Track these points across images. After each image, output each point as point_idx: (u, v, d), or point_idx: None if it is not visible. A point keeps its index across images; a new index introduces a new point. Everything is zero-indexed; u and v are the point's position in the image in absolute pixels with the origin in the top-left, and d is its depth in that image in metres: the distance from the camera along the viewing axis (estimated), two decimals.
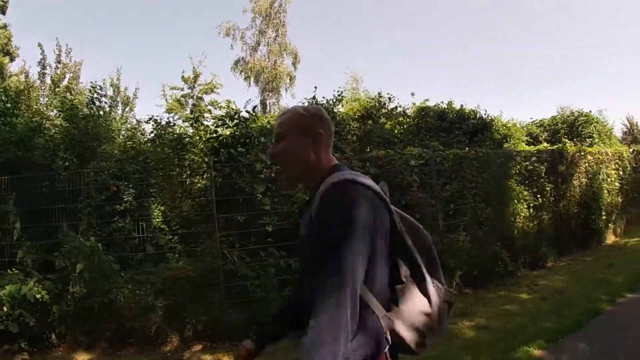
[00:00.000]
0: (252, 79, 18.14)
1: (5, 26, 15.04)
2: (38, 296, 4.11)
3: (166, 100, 15.36)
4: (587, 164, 8.14)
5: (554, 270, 6.16)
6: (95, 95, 6.47)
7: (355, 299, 0.96)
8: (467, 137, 8.17)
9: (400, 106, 8.38)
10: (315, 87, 10.28)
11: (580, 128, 10.11)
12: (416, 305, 1.10)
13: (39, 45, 14.57)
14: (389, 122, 8.03)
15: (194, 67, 15.30)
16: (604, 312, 4.02)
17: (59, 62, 15.16)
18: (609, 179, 8.49)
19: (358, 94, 20.97)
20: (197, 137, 5.56)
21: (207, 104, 12.27)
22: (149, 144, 5.82)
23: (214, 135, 5.43)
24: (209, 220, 4.49)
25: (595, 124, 10.13)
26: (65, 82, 14.25)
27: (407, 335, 1.08)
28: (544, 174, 7.37)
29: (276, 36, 17.48)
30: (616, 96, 39.23)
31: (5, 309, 4.01)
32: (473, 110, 8.64)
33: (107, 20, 31.19)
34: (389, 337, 1.05)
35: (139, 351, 4.04)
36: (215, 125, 5.71)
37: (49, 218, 4.94)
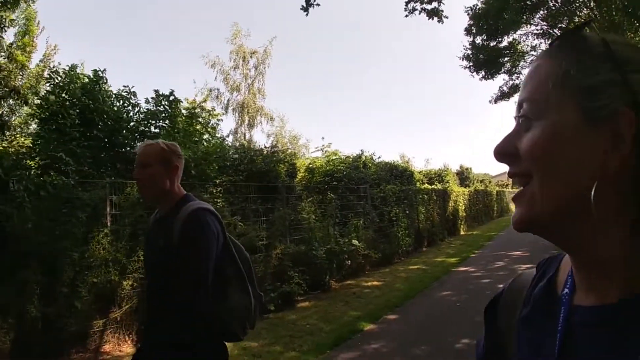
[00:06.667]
0: (226, 109, 22.81)
1: None
2: None
3: None
4: (454, 197, 16.99)
5: (451, 240, 14.28)
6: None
7: (206, 291, 1.44)
8: (404, 180, 16.01)
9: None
10: (362, 150, 13.75)
11: (443, 176, 19.35)
12: (239, 299, 1.54)
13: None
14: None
15: (203, 94, 18.60)
16: (485, 245, 12.03)
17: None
18: (461, 205, 17.57)
19: (283, 132, 27.89)
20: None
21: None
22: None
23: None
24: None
25: (451, 175, 19.55)
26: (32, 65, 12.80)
27: (233, 322, 1.52)
28: (439, 200, 15.69)
29: (253, 81, 22.87)
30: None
31: None
32: (406, 165, 16.62)
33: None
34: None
35: None
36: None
37: None
